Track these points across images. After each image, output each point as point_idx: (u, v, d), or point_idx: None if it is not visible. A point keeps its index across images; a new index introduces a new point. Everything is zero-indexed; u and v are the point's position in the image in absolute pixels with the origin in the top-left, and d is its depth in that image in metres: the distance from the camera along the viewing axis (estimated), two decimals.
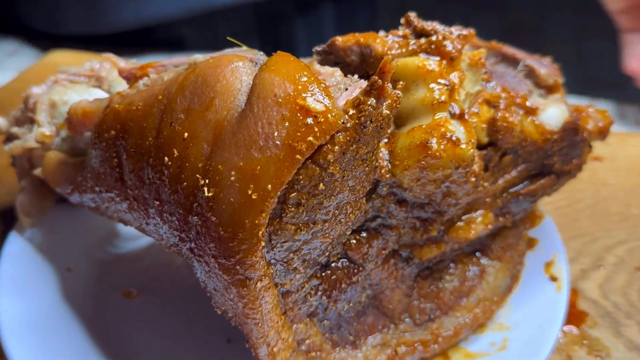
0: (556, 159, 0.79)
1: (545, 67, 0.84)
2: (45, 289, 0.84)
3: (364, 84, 0.63)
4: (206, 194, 0.58)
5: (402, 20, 0.76)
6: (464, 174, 0.69)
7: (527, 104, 0.77)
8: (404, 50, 0.72)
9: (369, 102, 0.59)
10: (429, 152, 0.67)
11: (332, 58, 0.74)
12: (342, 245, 0.71)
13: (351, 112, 0.59)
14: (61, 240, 0.90)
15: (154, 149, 0.65)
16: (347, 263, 0.73)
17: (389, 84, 0.59)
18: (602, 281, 0.91)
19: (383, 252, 0.74)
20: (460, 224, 0.77)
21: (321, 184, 0.59)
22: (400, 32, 0.74)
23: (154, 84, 0.71)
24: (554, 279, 0.84)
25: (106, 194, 0.74)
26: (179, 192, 0.62)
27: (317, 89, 0.58)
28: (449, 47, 0.71)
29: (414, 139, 0.68)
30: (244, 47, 0.72)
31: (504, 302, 0.84)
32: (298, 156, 0.56)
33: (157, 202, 0.65)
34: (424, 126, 0.68)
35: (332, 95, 0.59)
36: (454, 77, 0.71)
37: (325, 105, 0.57)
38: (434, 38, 0.72)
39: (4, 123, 0.90)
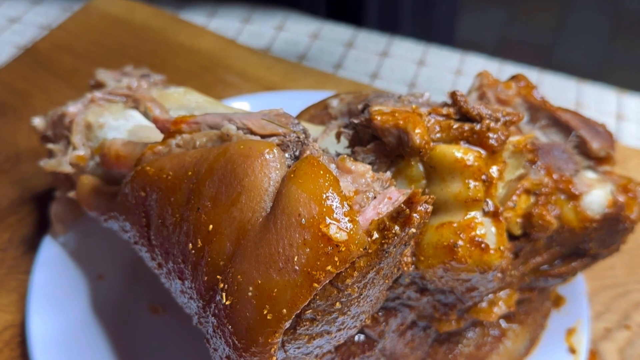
0: (592, 244, 0.78)
1: (599, 137, 0.81)
2: (75, 299, 0.90)
3: (393, 193, 0.63)
4: (224, 301, 0.61)
5: (448, 95, 0.74)
6: (489, 275, 0.69)
7: (571, 189, 0.76)
8: (444, 135, 0.71)
9: (394, 230, 0.59)
10: (455, 257, 0.67)
11: (369, 131, 0.73)
12: None
13: (375, 235, 0.59)
14: (94, 246, 0.95)
15: (179, 230, 0.67)
16: (363, 338, 0.76)
17: (416, 214, 0.59)
18: (624, 344, 0.92)
19: (401, 327, 0.77)
20: (483, 304, 0.78)
21: (338, 303, 0.60)
22: (444, 111, 0.72)
23: (186, 146, 0.72)
24: (573, 351, 0.86)
25: (134, 238, 0.77)
26: (199, 282, 0.65)
27: (342, 214, 0.58)
28: (492, 140, 0.69)
29: (441, 237, 0.68)
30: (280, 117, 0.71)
31: None
32: (315, 284, 0.58)
33: (179, 281, 0.68)
34: (454, 224, 0.69)
35: (358, 212, 0.60)
36: (494, 171, 0.70)
37: (349, 234, 0.58)
38: (477, 127, 0.70)
39: (41, 123, 0.92)
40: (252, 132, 0.70)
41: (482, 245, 0.67)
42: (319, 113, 0.88)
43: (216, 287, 0.62)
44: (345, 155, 0.66)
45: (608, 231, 0.77)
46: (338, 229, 0.58)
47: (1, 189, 1.06)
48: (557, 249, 0.79)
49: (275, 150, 0.65)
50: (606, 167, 0.82)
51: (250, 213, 0.62)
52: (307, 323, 0.61)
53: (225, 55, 1.35)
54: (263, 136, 0.69)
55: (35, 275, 0.89)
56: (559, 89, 1.40)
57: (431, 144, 0.68)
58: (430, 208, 0.62)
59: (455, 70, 1.43)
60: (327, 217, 0.58)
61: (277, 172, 0.64)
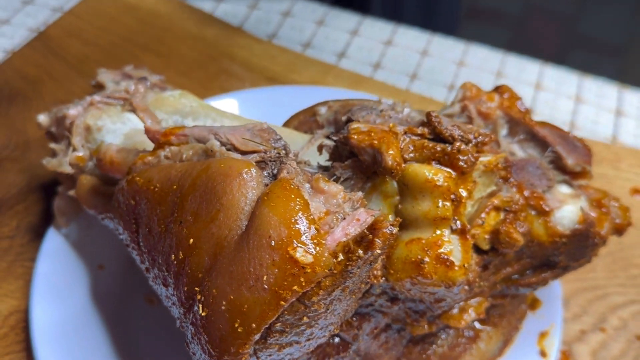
0: (562, 258, 0.82)
1: (575, 153, 0.84)
2: (76, 288, 0.96)
3: (362, 215, 0.67)
4: (200, 312, 0.66)
5: (424, 114, 0.77)
6: (454, 290, 0.74)
7: (542, 205, 0.79)
8: (417, 154, 0.74)
9: (358, 253, 0.64)
10: (421, 272, 0.72)
11: (347, 148, 0.77)
12: None
13: (340, 257, 0.64)
14: (95, 237, 1.01)
15: (163, 241, 0.72)
16: (338, 340, 0.81)
17: (378, 239, 0.64)
18: (598, 347, 0.97)
19: (375, 331, 0.82)
20: (454, 311, 0.82)
21: (305, 317, 0.66)
22: (419, 130, 0.76)
23: (174, 157, 0.77)
24: (543, 354, 0.90)
25: (126, 241, 0.82)
26: (180, 291, 0.70)
27: (309, 237, 0.63)
28: (462, 162, 0.73)
29: (410, 253, 0.73)
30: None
31: None
32: (282, 302, 0.63)
33: (164, 287, 0.74)
34: (423, 241, 0.73)
35: (327, 233, 0.65)
36: (463, 190, 0.74)
37: (314, 256, 0.62)
38: (449, 148, 0.73)
39: (45, 120, 0.97)
40: (235, 148, 0.74)
41: (448, 262, 0.71)
42: (307, 119, 0.92)
43: (195, 297, 0.68)
44: (319, 176, 0.71)
45: (577, 246, 0.81)
46: (304, 252, 0.62)
47: (10, 176, 1.12)
48: (528, 261, 0.82)
49: (253, 170, 0.70)
50: (582, 182, 0.85)
51: (227, 230, 0.67)
52: (277, 334, 0.66)
53: (231, 44, 1.39)
54: (244, 153, 0.73)
55: (39, 265, 0.95)
56: (558, 82, 1.41)
57: (402, 165, 0.72)
58: (395, 230, 0.67)
59: (458, 61, 1.45)
60: (294, 240, 0.63)
61: (254, 191, 0.68)
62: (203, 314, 0.66)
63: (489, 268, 0.80)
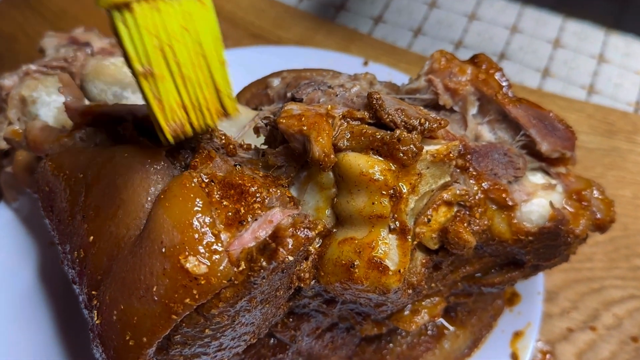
0: (530, 257, 0.73)
1: (552, 137, 0.74)
2: (26, 265, 0.92)
3: (276, 216, 0.60)
4: (95, 320, 0.61)
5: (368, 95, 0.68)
6: (390, 296, 0.66)
7: (505, 198, 0.70)
8: (354, 142, 0.66)
9: (260, 263, 0.57)
10: (351, 278, 0.64)
11: (280, 133, 0.69)
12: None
13: (242, 266, 0.57)
14: None
15: (70, 236, 0.67)
16: (274, 342, 0.75)
17: (283, 249, 0.56)
18: (585, 348, 0.88)
19: (317, 331, 0.75)
20: (405, 312, 0.75)
21: (207, 330, 0.60)
22: (359, 114, 0.67)
23: (89, 140, 0.71)
24: (515, 357, 0.82)
25: (50, 225, 0.77)
26: (84, 292, 0.65)
27: (205, 245, 0.56)
28: (402, 152, 0.64)
29: (341, 254, 0.65)
30: None
31: None
32: (174, 316, 0.57)
33: (74, 285, 0.69)
34: (356, 241, 0.65)
35: (234, 236, 0.58)
36: (404, 185, 0.65)
37: (210, 267, 0.56)
38: (388, 137, 0.64)
39: None
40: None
41: (381, 267, 0.63)
42: (259, 92, 0.84)
43: (92, 302, 0.62)
44: (238, 166, 0.63)
45: (547, 245, 0.72)
46: (198, 261, 0.56)
47: None
48: (491, 259, 0.74)
49: (162, 160, 0.63)
50: (562, 169, 0.75)
51: (125, 230, 0.61)
52: (179, 346, 0.60)
53: None
54: None
55: None
56: (581, 38, 1.28)
57: (332, 155, 0.64)
58: (312, 234, 0.59)
59: (469, 14, 1.32)
60: (187, 248, 0.56)
61: (159, 185, 0.62)
62: (97, 322, 0.61)
63: (442, 268, 0.71)
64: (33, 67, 0.85)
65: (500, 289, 0.78)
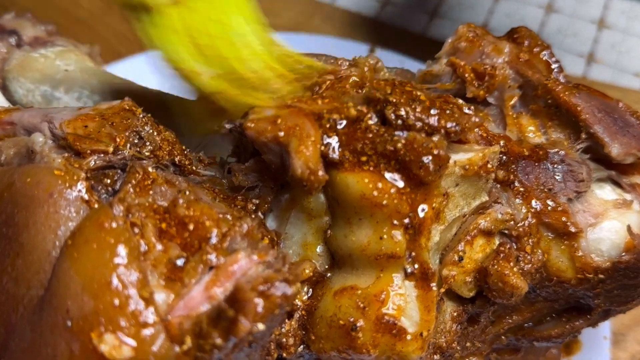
0: (600, 301, 0.55)
1: (625, 136, 0.56)
2: None
3: (239, 266, 0.42)
4: None
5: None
6: None
7: (566, 223, 0.52)
8: (349, 153, 0.48)
9: (212, 341, 0.39)
10: (352, 345, 0.47)
11: (250, 145, 0.51)
12: None
13: (187, 344, 0.39)
14: None
15: None
16: None
17: (246, 318, 0.38)
18: None
19: None
20: None
21: None
22: (359, 111, 0.49)
23: None
24: None
25: None
26: None
27: (130, 315, 0.39)
28: (419, 164, 0.46)
29: (338, 310, 0.48)
30: None
31: None
32: None
33: None
34: (359, 291, 0.47)
35: (178, 297, 0.40)
36: (423, 210, 0.47)
37: (135, 348, 0.39)
38: (400, 144, 0.46)
39: None
40: (69, 145, 0.49)
41: (395, 328, 0.46)
42: None
43: None
44: (187, 192, 0.45)
45: (622, 285, 0.53)
46: (119, 340, 0.38)
47: None
48: (547, 304, 0.56)
49: (78, 187, 0.45)
50: (638, 179, 0.57)
51: (25, 288, 0.44)
52: None
53: None
54: (80, 153, 0.49)
55: None
56: (629, 17, 1.10)
57: (320, 172, 0.46)
58: (291, 291, 0.41)
59: (544, 4, 1.14)
60: (103, 320, 0.38)
61: (71, 224, 0.44)
62: None
63: (480, 321, 0.53)
64: None
65: (558, 342, 0.59)
